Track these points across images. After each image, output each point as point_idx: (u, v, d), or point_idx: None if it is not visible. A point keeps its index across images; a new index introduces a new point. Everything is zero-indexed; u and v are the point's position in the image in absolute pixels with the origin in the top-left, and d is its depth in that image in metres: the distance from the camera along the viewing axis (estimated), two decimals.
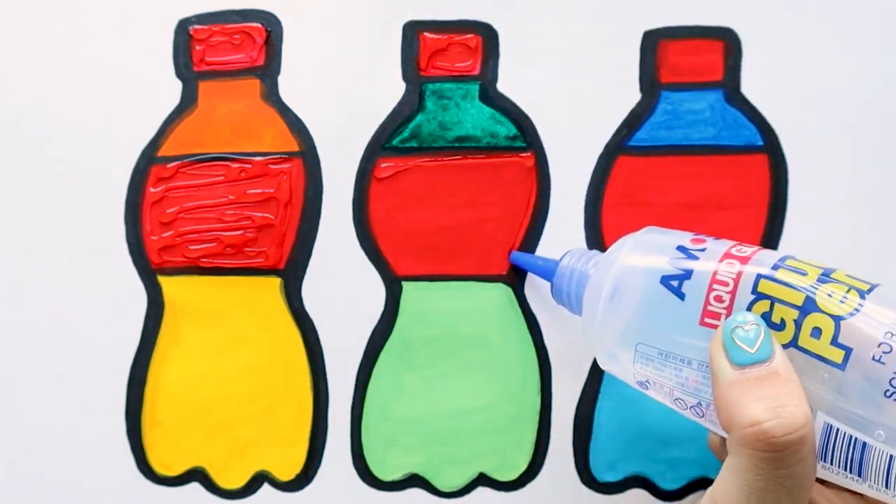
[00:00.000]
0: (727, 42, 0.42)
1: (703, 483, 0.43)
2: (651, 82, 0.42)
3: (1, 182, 0.42)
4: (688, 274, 0.33)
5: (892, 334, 0.29)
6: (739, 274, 0.32)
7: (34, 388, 0.42)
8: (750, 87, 0.42)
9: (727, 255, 0.33)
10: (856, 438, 0.30)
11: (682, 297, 0.33)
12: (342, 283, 0.42)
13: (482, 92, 0.42)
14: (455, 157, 0.42)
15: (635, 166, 0.42)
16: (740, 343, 0.30)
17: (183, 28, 0.42)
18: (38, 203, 0.42)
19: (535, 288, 0.42)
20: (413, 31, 0.42)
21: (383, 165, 0.42)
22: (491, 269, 0.42)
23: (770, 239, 0.42)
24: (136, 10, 0.42)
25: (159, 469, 0.43)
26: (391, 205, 0.42)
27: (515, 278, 0.42)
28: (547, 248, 0.42)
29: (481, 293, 0.42)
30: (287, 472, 0.43)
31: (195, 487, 0.43)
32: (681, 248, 0.34)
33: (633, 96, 0.42)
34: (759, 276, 0.32)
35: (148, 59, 0.42)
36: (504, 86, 0.42)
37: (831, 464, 0.31)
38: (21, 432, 0.42)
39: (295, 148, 0.42)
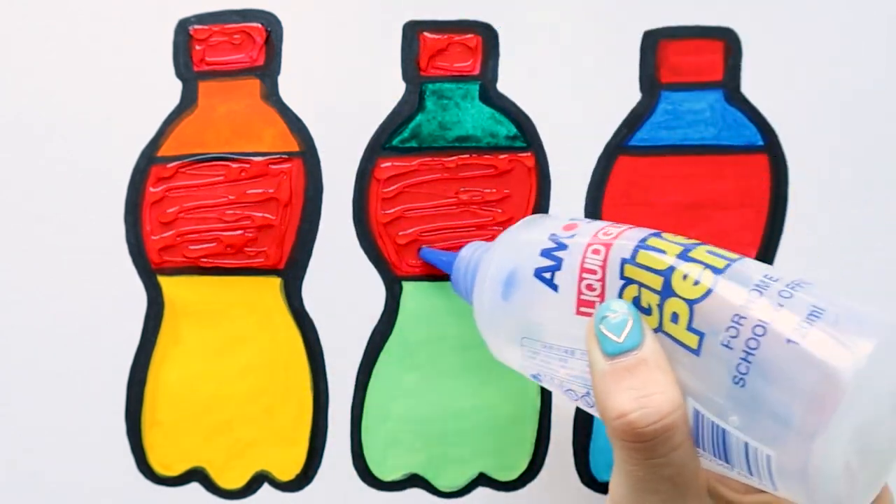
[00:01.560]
0: (727, 42, 0.42)
1: None
2: (651, 82, 0.42)
3: (1, 182, 0.42)
4: (558, 265, 0.32)
5: (741, 317, 0.28)
6: (605, 261, 0.31)
7: (34, 388, 0.42)
8: (750, 87, 0.42)
9: (594, 241, 0.32)
10: (716, 424, 0.29)
11: (555, 288, 0.32)
12: (342, 283, 0.42)
13: (482, 92, 0.42)
14: (455, 158, 0.42)
15: (635, 166, 0.42)
16: (608, 332, 0.30)
17: (183, 28, 0.42)
18: (38, 203, 0.42)
19: None
20: (413, 31, 0.42)
21: (383, 165, 0.42)
22: None
23: (770, 239, 0.42)
24: (136, 10, 0.42)
25: (159, 469, 0.43)
26: (391, 205, 0.42)
27: None
28: None
29: None
30: (287, 472, 0.43)
31: (195, 487, 0.43)
32: (552, 237, 0.33)
33: (633, 96, 0.42)
34: (623, 262, 0.31)
35: (148, 59, 0.42)
36: (504, 86, 0.42)
37: (704, 450, 0.29)
38: (21, 432, 0.42)
39: (295, 148, 0.42)
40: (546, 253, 0.33)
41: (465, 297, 0.38)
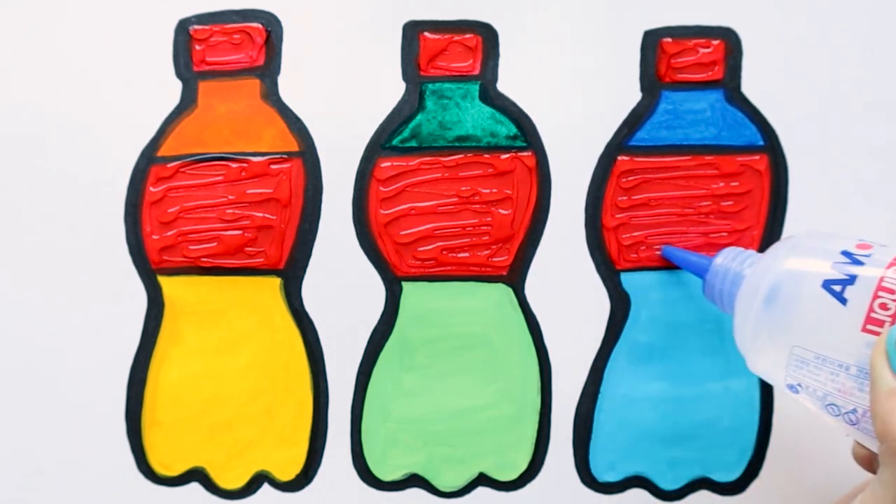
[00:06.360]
0: (727, 42, 0.42)
1: (703, 483, 0.43)
2: (652, 82, 0.42)
3: (1, 182, 0.42)
4: (852, 279, 0.33)
5: None
6: None
7: (34, 388, 0.42)
8: (750, 87, 0.42)
9: (895, 263, 0.32)
10: None
11: (844, 301, 0.33)
12: (342, 283, 0.42)
13: (482, 92, 0.42)
14: (455, 157, 0.42)
15: (635, 166, 0.42)
16: None
17: (183, 28, 0.42)
18: (38, 203, 0.42)
19: (535, 288, 0.42)
20: (413, 31, 0.42)
21: (383, 165, 0.42)
22: (491, 269, 0.42)
23: (770, 239, 0.42)
24: (136, 10, 0.42)
25: (159, 469, 0.43)
26: (391, 205, 0.42)
27: (515, 278, 0.42)
28: (547, 247, 0.42)
29: (481, 293, 0.42)
30: (287, 472, 0.43)
31: (195, 487, 0.43)
32: (845, 253, 0.34)
33: (633, 96, 0.42)
34: None
35: (148, 59, 0.42)
36: (504, 86, 0.42)
37: None
38: (21, 432, 0.42)
39: (295, 148, 0.42)
40: (838, 267, 0.33)
41: (719, 304, 0.38)
